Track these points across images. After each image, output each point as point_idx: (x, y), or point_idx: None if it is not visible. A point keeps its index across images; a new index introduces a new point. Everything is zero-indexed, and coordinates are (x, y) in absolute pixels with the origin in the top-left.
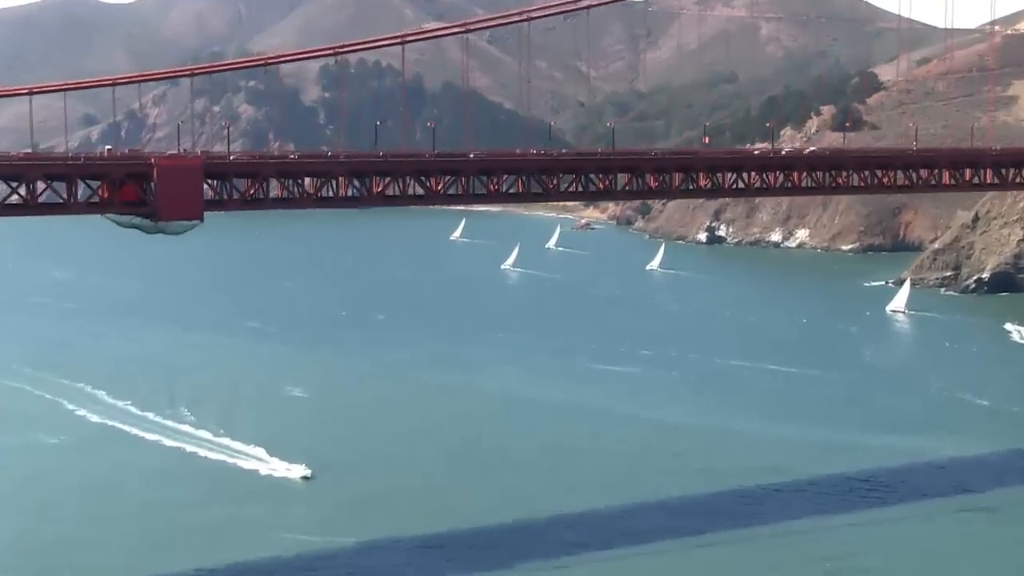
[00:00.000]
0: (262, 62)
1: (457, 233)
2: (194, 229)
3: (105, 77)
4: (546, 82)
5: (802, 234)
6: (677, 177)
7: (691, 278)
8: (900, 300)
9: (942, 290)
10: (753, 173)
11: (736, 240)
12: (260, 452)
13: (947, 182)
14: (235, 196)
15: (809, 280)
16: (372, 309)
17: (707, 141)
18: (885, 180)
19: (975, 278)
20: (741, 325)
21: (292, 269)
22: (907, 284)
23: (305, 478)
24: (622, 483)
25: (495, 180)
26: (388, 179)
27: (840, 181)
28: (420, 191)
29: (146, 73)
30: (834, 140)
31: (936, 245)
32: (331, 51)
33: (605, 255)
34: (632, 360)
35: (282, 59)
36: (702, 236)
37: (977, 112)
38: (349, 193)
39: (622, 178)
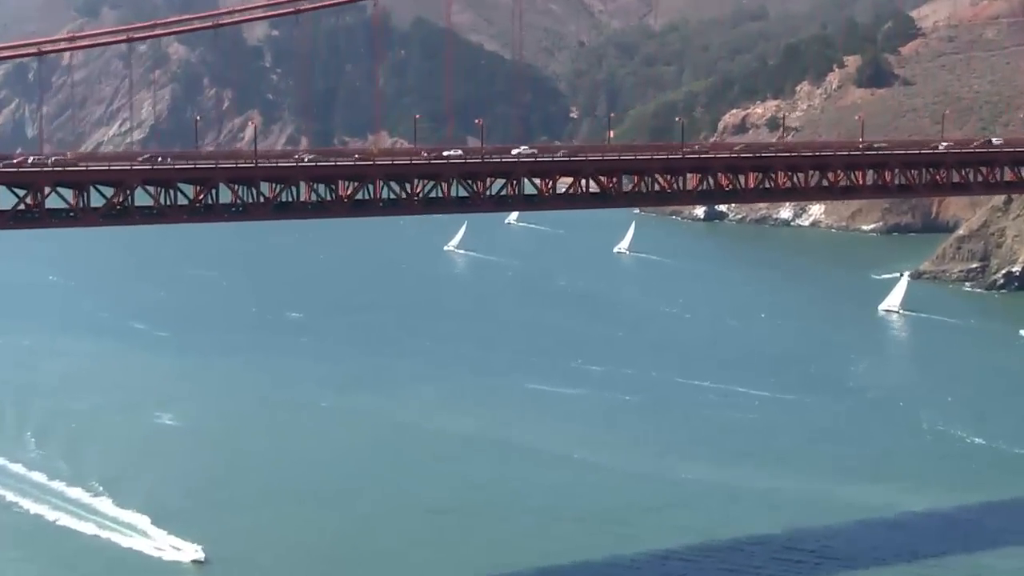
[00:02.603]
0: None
1: None
2: None
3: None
4: (541, 17)
5: (816, 211)
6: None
7: (664, 265)
8: (895, 298)
9: (966, 285)
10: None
11: (739, 216)
12: (134, 518)
13: (907, 182)
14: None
15: (809, 269)
16: (286, 305)
17: (612, 135)
18: (833, 180)
19: (1004, 272)
20: (711, 333)
21: (201, 254)
22: (904, 278)
23: (197, 562)
24: (535, 549)
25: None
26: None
27: (776, 183)
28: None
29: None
30: (859, 97)
31: (961, 231)
32: None
33: (572, 232)
34: (579, 379)
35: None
36: (700, 211)
37: None
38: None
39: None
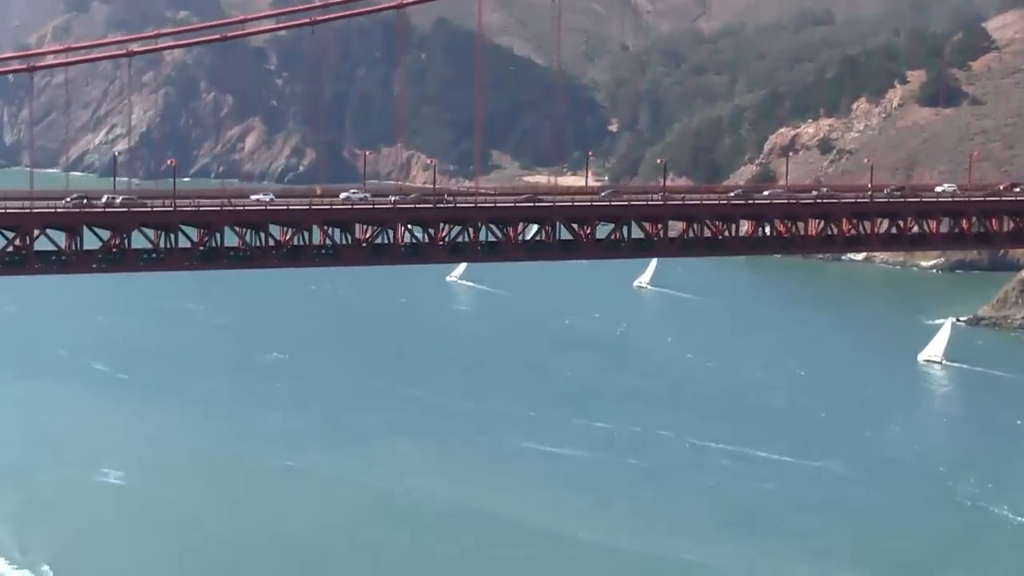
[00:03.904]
0: None
1: None
2: None
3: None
4: (582, 18)
5: None
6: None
7: (689, 303)
8: (937, 347)
9: None
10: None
11: None
12: None
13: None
14: None
15: (855, 311)
16: (266, 343)
17: (661, 163)
18: (840, 230)
19: None
20: (733, 385)
21: (178, 282)
22: (948, 324)
23: None
24: None
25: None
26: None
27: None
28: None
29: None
30: (922, 117)
31: None
32: None
33: (589, 261)
34: (580, 438)
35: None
36: None
37: None
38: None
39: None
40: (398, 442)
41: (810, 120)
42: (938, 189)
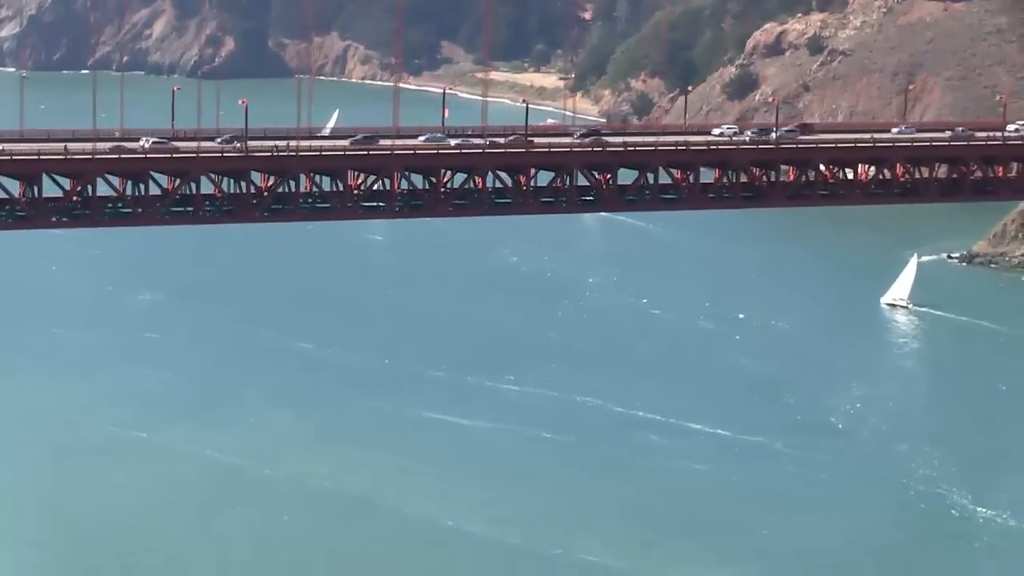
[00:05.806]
0: None
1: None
2: None
3: None
4: None
5: None
6: None
7: (643, 233)
8: (902, 288)
9: None
10: None
11: None
12: None
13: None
14: None
15: (834, 246)
16: (144, 281)
17: None
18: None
19: None
20: (675, 338)
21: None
22: (913, 262)
23: None
24: None
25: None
26: None
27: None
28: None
29: None
30: (928, 13)
31: None
32: None
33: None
34: (487, 404)
35: None
36: None
37: None
38: None
39: None
40: (275, 409)
41: (800, 15)
42: (715, 132)
